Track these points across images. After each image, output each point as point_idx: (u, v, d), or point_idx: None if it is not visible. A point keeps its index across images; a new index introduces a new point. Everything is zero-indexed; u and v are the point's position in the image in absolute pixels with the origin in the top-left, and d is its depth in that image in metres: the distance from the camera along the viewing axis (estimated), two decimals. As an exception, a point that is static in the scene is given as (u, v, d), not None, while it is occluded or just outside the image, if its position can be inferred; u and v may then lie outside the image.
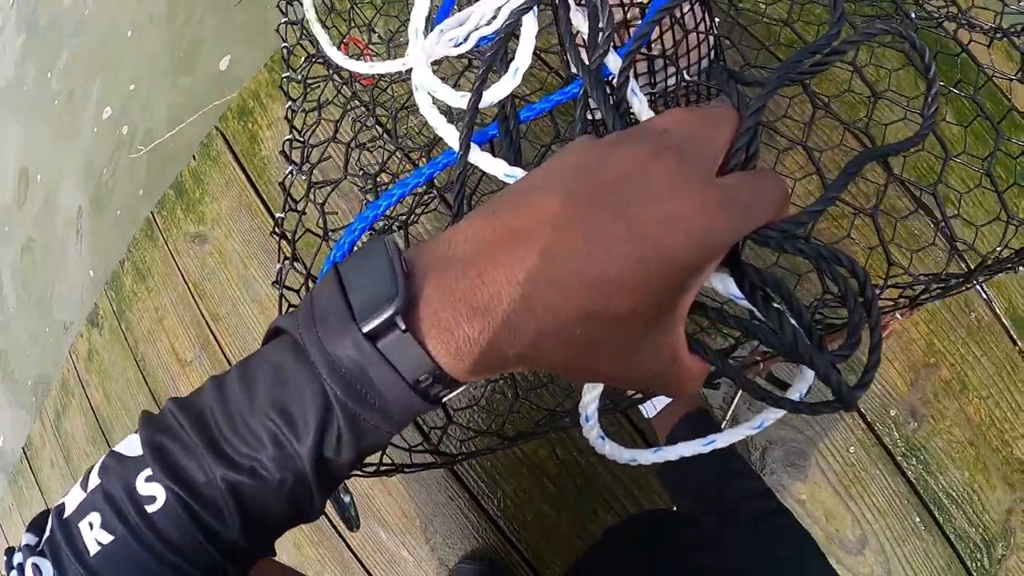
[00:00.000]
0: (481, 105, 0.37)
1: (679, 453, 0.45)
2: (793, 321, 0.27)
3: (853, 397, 0.25)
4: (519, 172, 0.35)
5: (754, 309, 0.28)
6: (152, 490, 0.24)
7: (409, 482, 0.93)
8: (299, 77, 0.62)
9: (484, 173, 0.37)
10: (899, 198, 0.83)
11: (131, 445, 0.25)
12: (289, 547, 1.00)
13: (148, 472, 0.24)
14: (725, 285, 0.29)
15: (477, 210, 0.24)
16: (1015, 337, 0.85)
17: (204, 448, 0.24)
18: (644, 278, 0.22)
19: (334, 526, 0.98)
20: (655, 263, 0.22)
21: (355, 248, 0.39)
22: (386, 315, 0.21)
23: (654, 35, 0.54)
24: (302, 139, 0.60)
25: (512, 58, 0.39)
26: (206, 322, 1.09)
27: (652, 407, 0.75)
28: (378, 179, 0.65)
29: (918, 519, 0.84)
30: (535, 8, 0.39)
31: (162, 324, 1.17)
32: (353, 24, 0.66)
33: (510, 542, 0.89)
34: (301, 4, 0.60)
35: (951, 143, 0.66)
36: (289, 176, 0.58)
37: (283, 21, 0.62)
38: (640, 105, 0.35)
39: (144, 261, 1.21)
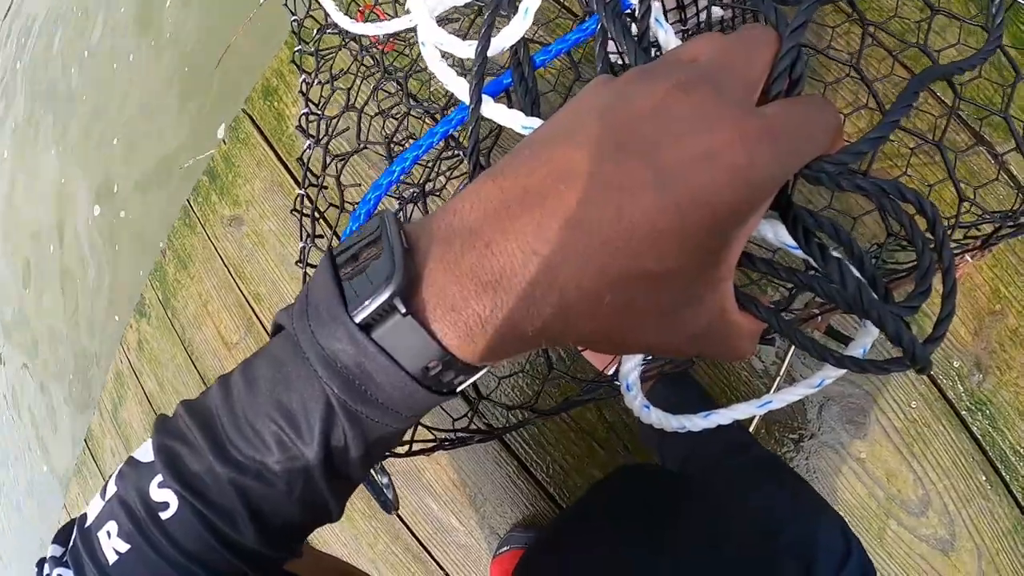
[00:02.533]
0: (491, 53, 0.33)
1: (732, 417, 0.43)
2: (855, 270, 0.23)
3: (926, 353, 0.22)
4: (537, 122, 0.31)
5: (809, 259, 0.24)
6: (164, 496, 0.23)
7: (457, 451, 0.93)
8: (312, 49, 0.60)
9: (502, 127, 0.34)
10: (956, 133, 0.78)
11: (146, 451, 0.25)
12: (342, 521, 1.02)
13: (160, 478, 0.23)
14: (776, 232, 0.25)
15: (487, 171, 0.21)
16: (1091, 280, 0.80)
17: (211, 451, 0.23)
18: (680, 230, 0.18)
19: (384, 498, 0.99)
20: (692, 211, 0.18)
21: None
22: (382, 298, 0.19)
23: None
24: (319, 111, 0.58)
25: (521, -1, 0.36)
26: (248, 303, 1.11)
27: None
28: (400, 144, 0.62)
29: (984, 478, 0.80)
30: None
31: (206, 309, 1.20)
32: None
33: (561, 508, 0.89)
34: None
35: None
36: (307, 151, 0.57)
37: (289, -9, 0.60)
38: (666, 36, 0.30)
39: (184, 249, 1.24)
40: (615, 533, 0.52)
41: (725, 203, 0.18)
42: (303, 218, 0.54)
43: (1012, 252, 0.80)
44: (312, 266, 0.49)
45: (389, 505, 0.44)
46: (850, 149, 0.22)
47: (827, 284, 0.23)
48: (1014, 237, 0.54)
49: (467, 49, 0.35)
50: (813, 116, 0.21)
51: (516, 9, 0.35)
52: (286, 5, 0.60)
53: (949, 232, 0.47)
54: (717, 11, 0.69)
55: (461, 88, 0.36)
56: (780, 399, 0.41)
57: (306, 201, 0.55)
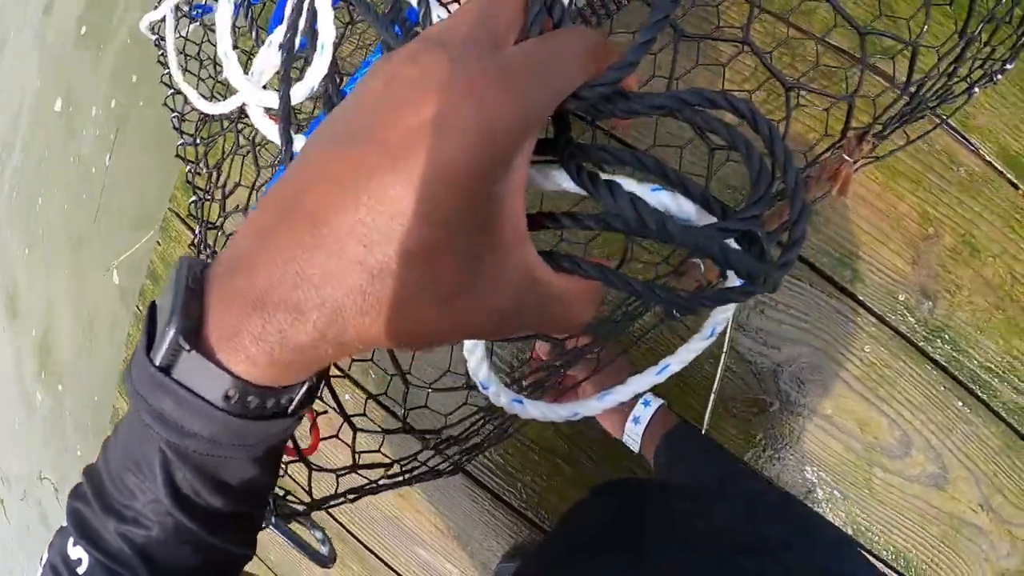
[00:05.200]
0: (302, 95, 0.36)
1: (630, 391, 0.41)
2: (674, 199, 0.21)
3: (770, 274, 0.19)
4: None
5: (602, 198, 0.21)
6: (78, 553, 0.26)
7: (429, 494, 0.92)
8: (193, 140, 0.64)
9: None
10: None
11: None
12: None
13: (71, 537, 0.26)
14: (548, 177, 0.22)
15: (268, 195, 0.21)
16: (1014, 180, 0.79)
17: (98, 504, 0.25)
18: (427, 203, 0.17)
19: (371, 551, 0.97)
20: (432, 183, 0.17)
21: None
22: (168, 338, 0.20)
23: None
24: (208, 195, 0.60)
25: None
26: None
27: (633, 442, 0.72)
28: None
29: (960, 404, 0.79)
30: None
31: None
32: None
33: (543, 530, 0.87)
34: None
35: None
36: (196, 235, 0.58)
37: (168, 93, 0.63)
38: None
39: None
40: (597, 561, 0.51)
41: (465, 165, 0.18)
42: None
43: (931, 170, 0.78)
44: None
45: (323, 559, 0.43)
46: (615, 65, 0.20)
47: (617, 218, 0.21)
48: (901, 128, 0.52)
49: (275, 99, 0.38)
50: (561, 43, 0.20)
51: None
52: (165, 104, 0.64)
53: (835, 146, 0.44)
54: None
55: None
56: (678, 360, 0.39)
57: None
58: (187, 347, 0.20)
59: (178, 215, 1.14)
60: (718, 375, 0.53)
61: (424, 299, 0.19)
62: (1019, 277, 0.79)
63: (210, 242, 0.58)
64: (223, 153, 0.60)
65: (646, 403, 0.72)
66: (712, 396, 0.63)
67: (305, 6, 0.38)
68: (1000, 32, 0.46)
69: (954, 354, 0.78)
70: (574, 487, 0.82)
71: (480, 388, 0.38)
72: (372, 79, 0.20)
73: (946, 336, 0.78)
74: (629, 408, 0.73)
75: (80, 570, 0.26)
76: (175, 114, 0.66)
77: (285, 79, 0.35)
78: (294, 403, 0.23)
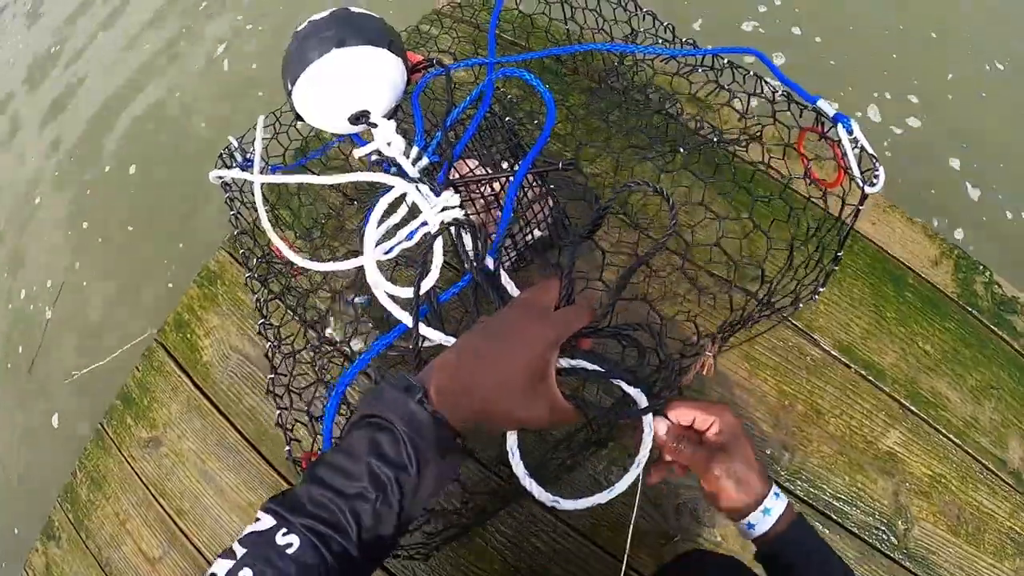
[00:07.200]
0: (424, 288, 0.64)
1: (591, 502, 0.60)
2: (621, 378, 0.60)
3: (652, 404, 0.60)
4: (443, 336, 0.66)
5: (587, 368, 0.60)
6: (287, 539, 0.40)
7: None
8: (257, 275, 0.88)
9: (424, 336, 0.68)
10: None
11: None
12: None
13: (278, 531, 0.41)
14: (571, 362, 0.60)
15: (448, 350, 0.56)
16: (846, 362, 1.07)
17: (319, 490, 0.46)
18: (522, 366, 0.52)
19: None
20: (525, 358, 0.53)
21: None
22: (418, 396, 0.50)
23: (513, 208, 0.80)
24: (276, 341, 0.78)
25: (431, 263, 0.66)
26: (171, 518, 1.16)
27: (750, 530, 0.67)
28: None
29: (820, 526, 0.99)
30: (440, 236, 0.67)
31: (125, 527, 1.22)
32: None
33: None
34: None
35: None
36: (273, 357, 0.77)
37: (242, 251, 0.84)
38: (511, 287, 0.71)
39: (99, 470, 1.26)
40: None
41: (541, 352, 0.54)
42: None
43: (785, 361, 1.05)
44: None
45: None
46: (592, 323, 0.61)
47: (599, 376, 0.59)
48: (753, 324, 0.81)
49: (403, 291, 0.72)
50: (576, 311, 0.59)
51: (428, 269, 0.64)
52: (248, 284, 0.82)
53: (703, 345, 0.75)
54: (537, 232, 0.93)
55: (404, 316, 0.70)
56: (619, 486, 0.60)
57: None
58: (425, 402, 0.49)
59: (164, 347, 1.23)
60: (633, 516, 0.72)
61: (513, 403, 0.53)
62: (855, 429, 1.04)
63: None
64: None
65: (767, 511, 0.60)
66: (631, 529, 0.82)
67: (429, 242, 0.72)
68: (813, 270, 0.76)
69: (811, 489, 1.01)
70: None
71: (511, 456, 0.59)
72: (506, 312, 0.58)
73: (804, 476, 1.02)
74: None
75: (291, 551, 0.38)
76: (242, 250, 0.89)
77: (416, 292, 0.68)
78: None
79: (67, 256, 2.14)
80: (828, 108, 0.68)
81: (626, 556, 0.80)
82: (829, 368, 1.07)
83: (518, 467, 0.57)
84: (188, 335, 1.23)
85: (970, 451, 1.06)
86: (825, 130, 0.70)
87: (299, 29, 0.78)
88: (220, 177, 0.89)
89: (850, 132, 0.65)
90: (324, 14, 0.78)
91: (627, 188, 0.63)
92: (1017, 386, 1.11)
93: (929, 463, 1.04)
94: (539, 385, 0.53)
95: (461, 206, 0.73)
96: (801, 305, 0.83)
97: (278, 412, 0.71)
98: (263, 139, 0.91)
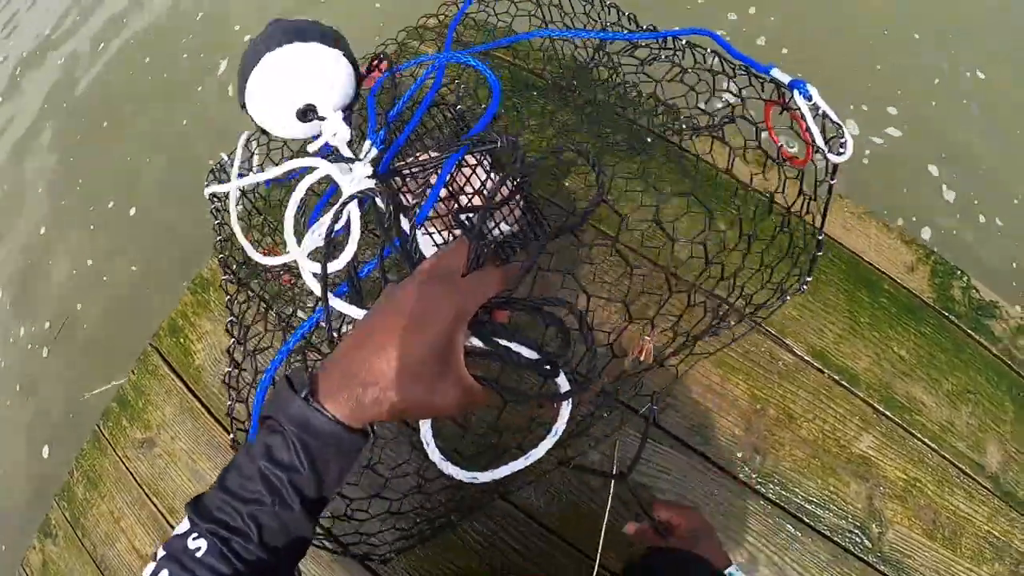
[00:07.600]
0: (336, 267, 0.65)
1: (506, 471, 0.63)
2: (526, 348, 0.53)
3: (573, 389, 0.55)
4: (360, 312, 0.60)
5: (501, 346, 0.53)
6: (196, 544, 0.41)
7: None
8: (233, 279, 0.92)
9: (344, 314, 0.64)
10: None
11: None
12: None
13: (190, 535, 0.41)
14: (473, 340, 0.53)
15: (346, 335, 0.49)
16: (819, 367, 1.09)
17: (221, 497, 0.45)
18: (426, 345, 0.45)
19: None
20: (426, 337, 0.45)
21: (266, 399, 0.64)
22: (303, 391, 0.45)
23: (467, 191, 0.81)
24: (242, 342, 0.81)
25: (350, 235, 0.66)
26: (163, 516, 1.20)
27: None
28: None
29: (792, 528, 1.00)
30: (354, 201, 0.66)
31: (119, 525, 1.26)
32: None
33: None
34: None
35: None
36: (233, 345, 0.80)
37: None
38: (425, 247, 0.64)
39: (95, 469, 1.31)
40: None
41: (444, 328, 0.46)
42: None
43: (757, 365, 1.07)
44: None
45: None
46: (503, 293, 0.52)
47: (507, 354, 0.52)
48: (716, 333, 0.83)
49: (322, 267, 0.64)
50: (486, 276, 0.50)
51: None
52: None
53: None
54: (505, 227, 0.96)
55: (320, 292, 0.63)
56: (535, 452, 0.63)
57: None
58: (311, 399, 0.44)
59: (159, 351, 1.28)
60: (605, 516, 0.74)
61: (417, 392, 0.45)
62: (828, 433, 1.05)
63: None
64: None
65: None
66: (603, 528, 0.84)
67: (345, 211, 0.66)
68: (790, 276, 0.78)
69: (783, 492, 1.02)
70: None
71: (425, 445, 0.60)
72: (405, 284, 0.49)
73: (775, 479, 1.03)
74: None
75: (199, 555, 0.39)
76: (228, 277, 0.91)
77: (324, 266, 0.62)
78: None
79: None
80: (783, 76, 0.64)
81: (598, 556, 0.83)
82: (802, 373, 1.08)
83: (434, 454, 0.59)
84: (182, 340, 1.28)
85: (946, 455, 1.07)
86: (787, 100, 0.66)
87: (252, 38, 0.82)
88: (213, 194, 0.94)
89: (808, 98, 0.61)
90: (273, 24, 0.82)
91: (559, 150, 0.64)
92: (995, 390, 1.12)
93: (904, 467, 1.05)
94: (444, 367, 0.46)
95: (409, 192, 0.73)
96: (788, 298, 0.84)
97: (229, 404, 0.75)
98: (256, 154, 0.96)
